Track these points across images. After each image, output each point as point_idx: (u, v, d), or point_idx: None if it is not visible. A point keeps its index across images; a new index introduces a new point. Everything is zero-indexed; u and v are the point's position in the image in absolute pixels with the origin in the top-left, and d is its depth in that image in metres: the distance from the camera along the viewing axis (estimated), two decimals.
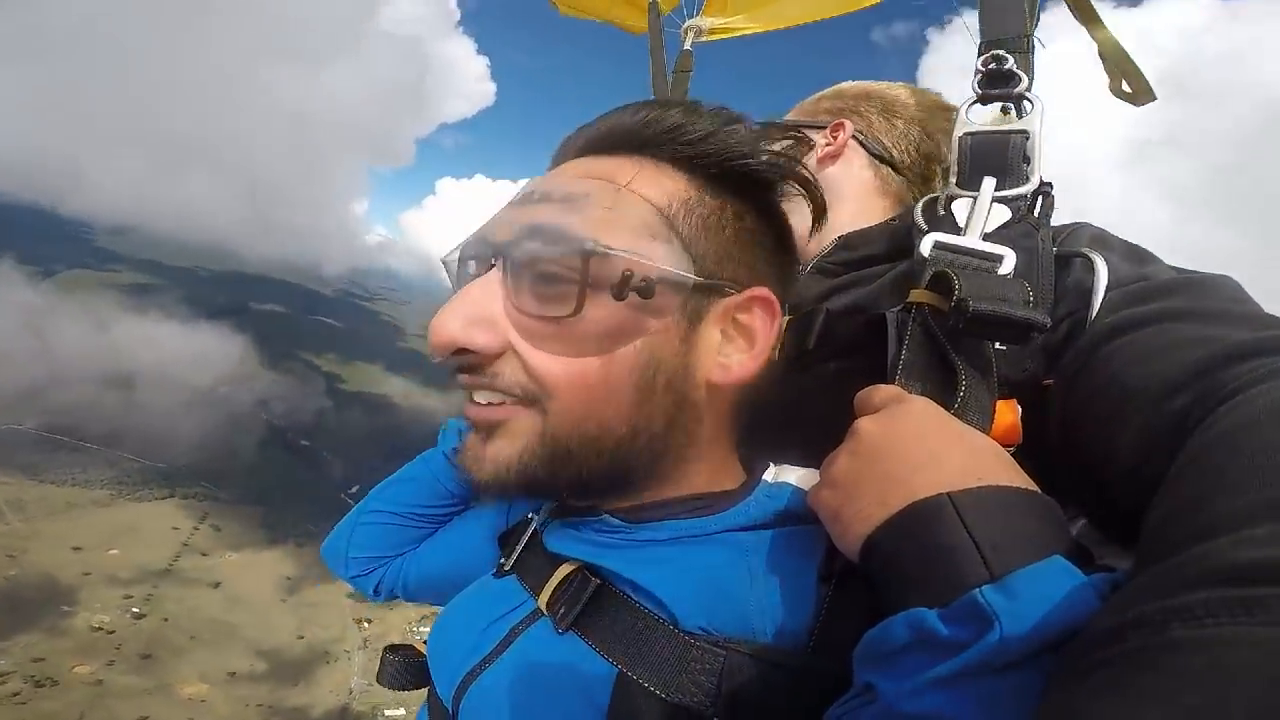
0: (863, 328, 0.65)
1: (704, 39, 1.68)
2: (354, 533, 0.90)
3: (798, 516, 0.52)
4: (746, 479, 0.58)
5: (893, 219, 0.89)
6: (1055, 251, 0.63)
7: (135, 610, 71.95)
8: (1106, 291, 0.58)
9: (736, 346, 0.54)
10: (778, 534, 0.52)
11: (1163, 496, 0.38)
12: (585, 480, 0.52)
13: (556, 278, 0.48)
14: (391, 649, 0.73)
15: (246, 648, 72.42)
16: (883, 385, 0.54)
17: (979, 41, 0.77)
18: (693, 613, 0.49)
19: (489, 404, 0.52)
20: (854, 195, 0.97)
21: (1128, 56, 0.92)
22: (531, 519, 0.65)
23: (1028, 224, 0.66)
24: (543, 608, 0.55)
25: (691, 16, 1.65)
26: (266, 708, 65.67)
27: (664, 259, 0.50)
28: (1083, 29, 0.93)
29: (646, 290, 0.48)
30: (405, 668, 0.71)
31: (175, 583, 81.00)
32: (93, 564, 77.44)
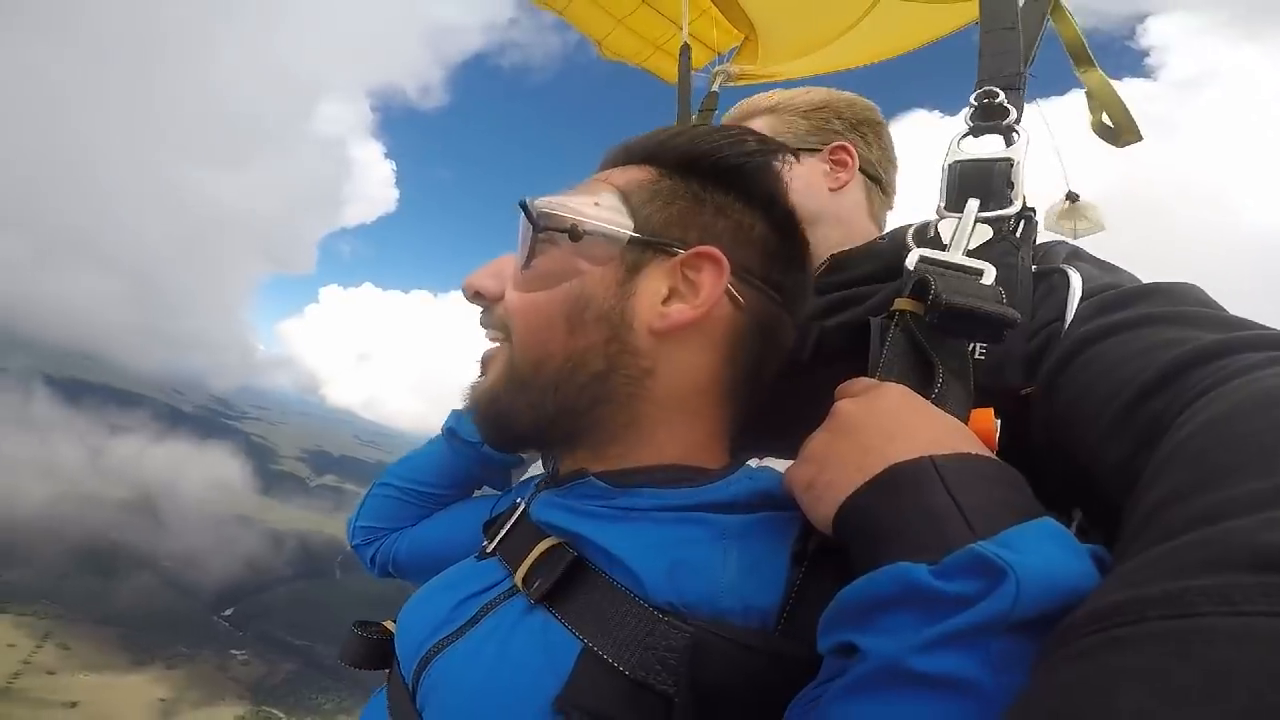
0: (851, 336, 0.69)
1: (732, 83, 1.74)
2: (363, 503, 0.95)
3: (776, 502, 0.54)
4: (730, 463, 0.61)
5: (880, 238, 0.93)
6: (1034, 269, 0.67)
7: None
8: (1081, 301, 0.61)
9: (682, 299, 0.58)
10: (756, 518, 0.53)
11: (1150, 485, 0.38)
12: (538, 413, 0.59)
13: (528, 240, 0.60)
14: (360, 624, 0.71)
15: None
16: (862, 377, 0.57)
17: (975, 79, 0.80)
18: (663, 587, 0.49)
19: (491, 344, 0.65)
20: (848, 219, 0.98)
21: (1116, 97, 0.95)
22: (519, 504, 0.67)
23: (1009, 243, 0.69)
24: (518, 582, 0.57)
25: (723, 63, 1.75)
26: None
27: (601, 218, 0.59)
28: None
29: (575, 234, 0.58)
30: (370, 645, 0.69)
31: (19, 702, 66.94)
32: None
